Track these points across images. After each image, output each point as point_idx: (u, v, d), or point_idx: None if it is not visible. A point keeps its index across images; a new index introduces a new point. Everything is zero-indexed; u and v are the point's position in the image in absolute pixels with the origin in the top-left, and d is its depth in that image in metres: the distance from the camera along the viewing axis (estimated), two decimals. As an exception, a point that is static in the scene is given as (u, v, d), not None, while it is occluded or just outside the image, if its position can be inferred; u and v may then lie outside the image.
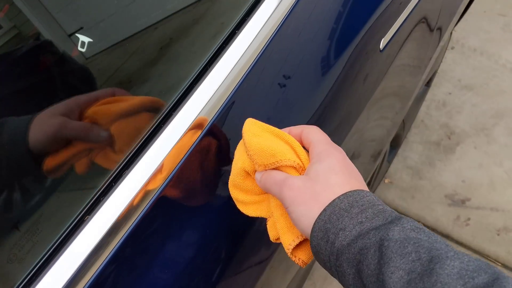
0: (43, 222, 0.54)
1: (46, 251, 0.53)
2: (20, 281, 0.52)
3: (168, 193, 0.61)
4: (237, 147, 0.61)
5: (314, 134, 0.56)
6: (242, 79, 0.66)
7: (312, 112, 0.74)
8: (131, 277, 0.58)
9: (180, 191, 0.63)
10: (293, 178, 0.52)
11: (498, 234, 1.86)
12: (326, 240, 0.47)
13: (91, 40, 0.60)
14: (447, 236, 1.87)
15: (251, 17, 0.68)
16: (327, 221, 0.47)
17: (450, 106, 2.24)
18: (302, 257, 0.54)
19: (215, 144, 0.65)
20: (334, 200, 0.48)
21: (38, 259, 0.53)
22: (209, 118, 0.63)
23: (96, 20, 0.62)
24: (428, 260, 0.40)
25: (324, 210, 0.48)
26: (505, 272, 1.76)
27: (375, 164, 1.39)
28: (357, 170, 0.54)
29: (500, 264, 1.78)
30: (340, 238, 0.46)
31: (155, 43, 0.67)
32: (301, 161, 0.55)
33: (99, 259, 0.55)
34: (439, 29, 1.23)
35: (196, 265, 0.64)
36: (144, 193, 0.58)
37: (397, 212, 1.68)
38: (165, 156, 0.60)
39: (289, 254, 0.54)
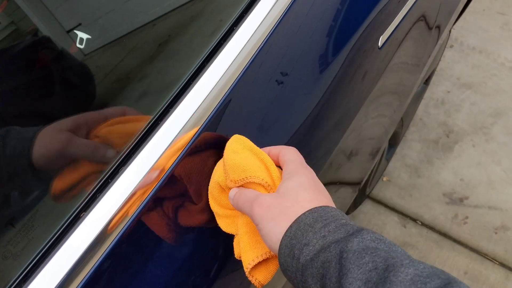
0: (39, 218, 0.54)
1: (41, 247, 0.53)
2: (15, 277, 0.52)
3: (165, 190, 0.60)
4: (218, 162, 0.63)
5: (289, 154, 0.58)
6: (239, 76, 0.66)
7: (310, 110, 0.74)
8: (127, 274, 0.58)
9: (177, 189, 0.62)
10: (264, 195, 0.53)
11: (496, 233, 1.87)
12: (292, 257, 0.48)
13: (89, 36, 0.60)
14: (444, 235, 1.88)
15: (248, 15, 0.68)
16: (292, 237, 0.48)
17: (448, 104, 2.25)
18: (259, 277, 0.56)
19: (212, 143, 0.65)
20: (300, 216, 0.49)
21: (34, 256, 0.53)
22: (205, 116, 0.63)
23: (95, 17, 0.62)
24: (383, 269, 0.40)
25: (290, 226, 0.49)
26: (503, 271, 1.77)
27: (373, 162, 1.39)
28: (324, 188, 0.56)
29: (497, 263, 1.79)
30: (304, 253, 0.46)
31: (153, 40, 0.67)
32: (273, 180, 0.57)
33: (95, 256, 0.55)
34: (438, 27, 1.24)
35: (194, 262, 0.64)
36: (141, 190, 0.58)
37: (395, 210, 1.68)
38: (162, 154, 0.59)
39: (247, 273, 0.56)
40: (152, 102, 0.63)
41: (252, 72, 0.67)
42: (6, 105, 0.54)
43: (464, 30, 2.51)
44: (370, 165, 1.37)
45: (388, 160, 2.02)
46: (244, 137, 0.61)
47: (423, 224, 1.92)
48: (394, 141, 1.97)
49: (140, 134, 0.60)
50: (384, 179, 2.04)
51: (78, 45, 0.59)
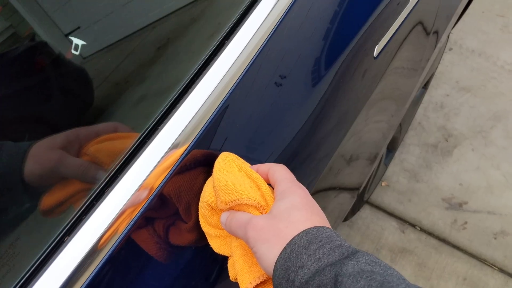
0: (20, 244, 0.53)
1: (23, 275, 0.52)
2: None
3: (155, 209, 0.60)
4: (208, 180, 0.63)
5: (279, 172, 0.59)
6: (237, 82, 0.66)
7: (308, 115, 0.76)
8: None
9: (167, 207, 0.62)
10: (257, 218, 0.54)
11: (495, 238, 1.89)
12: (287, 279, 0.48)
13: (85, 43, 0.61)
14: (443, 240, 1.90)
15: (246, 19, 0.69)
16: (287, 259, 0.49)
17: (447, 108, 2.28)
18: None
19: (201, 161, 0.65)
20: (294, 238, 0.50)
21: (14, 284, 0.51)
22: (202, 123, 0.63)
23: (93, 20, 0.62)
24: None
25: (285, 248, 0.50)
26: (503, 277, 1.80)
27: (371, 168, 1.41)
28: (318, 206, 0.56)
29: (497, 269, 1.82)
30: (299, 276, 0.47)
31: (152, 43, 0.67)
32: (265, 200, 0.57)
33: (79, 282, 0.53)
34: (436, 32, 1.26)
35: (184, 280, 0.64)
36: (127, 211, 0.57)
37: (394, 215, 1.69)
38: (151, 171, 0.58)
39: None
40: (145, 112, 0.63)
41: (250, 77, 0.68)
42: (4, 110, 0.54)
43: (463, 33, 2.55)
44: (368, 171, 1.39)
45: (386, 165, 2.05)
46: (233, 155, 0.61)
47: (422, 230, 1.94)
48: (392, 146, 2.00)
49: (128, 152, 0.59)
50: (383, 184, 2.07)
51: (73, 51, 0.60)
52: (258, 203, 0.56)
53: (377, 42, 0.88)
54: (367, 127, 1.05)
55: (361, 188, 1.48)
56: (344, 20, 0.80)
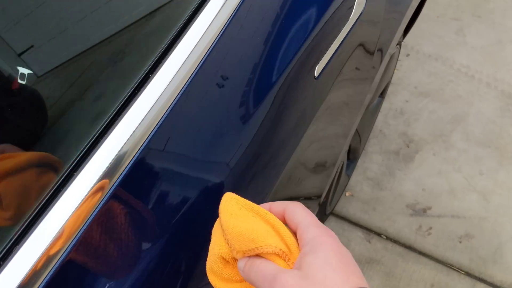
0: None
1: None
2: None
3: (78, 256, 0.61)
4: (214, 227, 0.58)
5: (299, 214, 0.54)
6: (182, 90, 0.69)
7: (251, 137, 0.80)
8: None
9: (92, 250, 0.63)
10: (285, 274, 0.49)
11: (460, 242, 2.00)
12: None
13: (31, 71, 0.62)
14: (409, 247, 1.98)
15: (194, 21, 0.73)
16: None
17: (407, 114, 2.40)
18: None
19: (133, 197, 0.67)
20: None
21: None
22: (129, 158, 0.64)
23: (47, 38, 0.64)
24: None
25: None
26: (469, 280, 1.91)
27: (327, 179, 1.44)
28: (352, 259, 0.52)
29: (463, 273, 1.90)
30: None
31: (108, 58, 0.70)
32: (287, 246, 0.52)
33: None
34: (380, 50, 1.31)
35: (155, 281, 0.66)
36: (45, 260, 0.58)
37: (360, 225, 1.72)
38: (66, 221, 0.60)
39: None
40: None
41: (197, 83, 0.71)
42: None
43: (420, 38, 2.68)
44: (322, 182, 1.41)
45: (349, 175, 2.11)
46: (237, 195, 0.57)
47: (388, 238, 2.02)
48: (354, 156, 2.07)
49: (44, 199, 0.60)
50: (347, 194, 2.14)
51: (20, 81, 0.61)
52: (280, 249, 0.51)
53: (317, 63, 0.91)
54: (318, 138, 1.09)
55: (321, 201, 1.52)
56: (278, 43, 0.84)
